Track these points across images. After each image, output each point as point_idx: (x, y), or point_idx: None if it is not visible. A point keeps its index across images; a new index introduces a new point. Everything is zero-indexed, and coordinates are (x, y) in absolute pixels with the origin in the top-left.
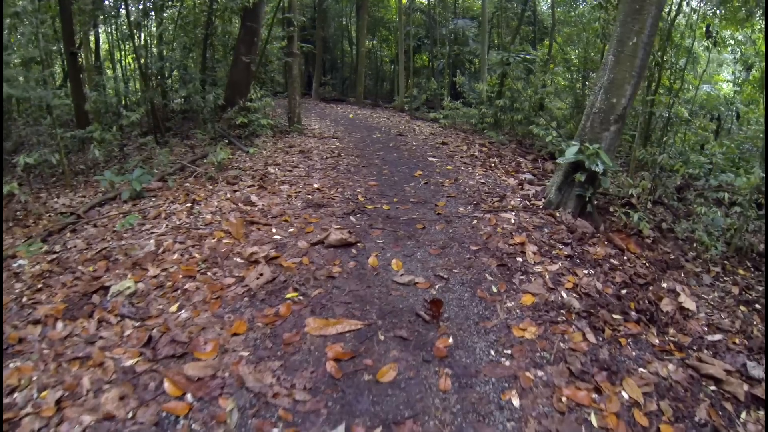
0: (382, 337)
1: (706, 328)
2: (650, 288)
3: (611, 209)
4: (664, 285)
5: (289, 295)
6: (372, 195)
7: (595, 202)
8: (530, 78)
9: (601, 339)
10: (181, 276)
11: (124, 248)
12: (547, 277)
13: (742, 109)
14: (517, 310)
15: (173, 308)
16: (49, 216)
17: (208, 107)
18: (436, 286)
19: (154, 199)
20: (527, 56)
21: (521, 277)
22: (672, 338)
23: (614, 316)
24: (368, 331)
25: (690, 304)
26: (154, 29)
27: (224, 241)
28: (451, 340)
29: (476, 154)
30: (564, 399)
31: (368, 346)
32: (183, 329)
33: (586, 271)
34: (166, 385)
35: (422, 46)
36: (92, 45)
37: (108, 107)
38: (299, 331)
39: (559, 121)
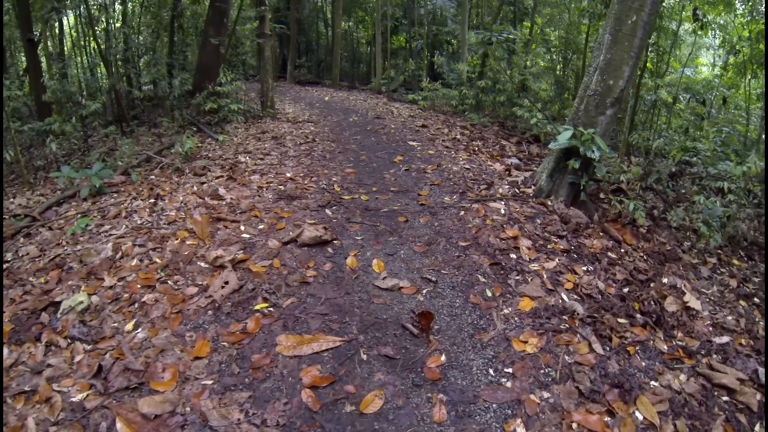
0: (364, 356)
1: (712, 329)
2: (652, 285)
3: (601, 195)
4: (665, 280)
5: (258, 307)
6: (349, 184)
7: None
8: (513, 58)
9: (608, 349)
10: (139, 286)
11: (80, 254)
12: (545, 276)
13: (723, 93)
14: (516, 318)
15: (129, 326)
16: (3, 219)
17: (174, 93)
18: (424, 291)
19: (116, 195)
20: (510, 35)
21: (517, 278)
22: (680, 342)
23: (620, 320)
24: (348, 348)
25: (695, 303)
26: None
27: (188, 242)
28: (443, 357)
29: (458, 137)
30: (575, 426)
31: (349, 368)
32: (139, 353)
33: (585, 268)
34: (119, 426)
35: (399, 27)
36: (56, 31)
37: (69, 97)
38: (270, 351)
39: (543, 102)
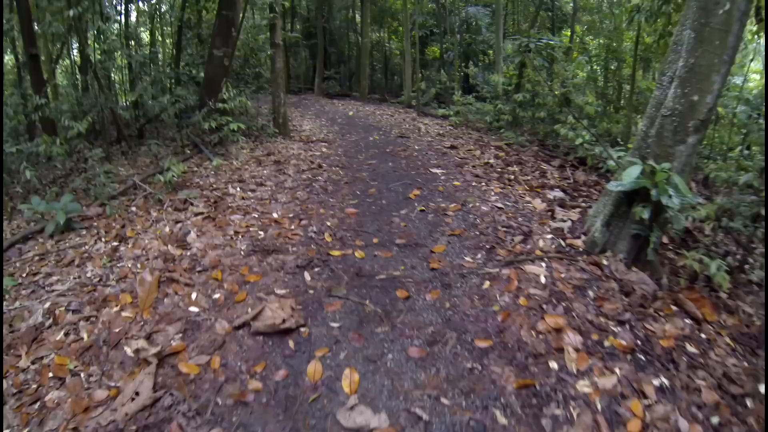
0: None
1: None
2: (749, 403)
3: (664, 239)
4: (762, 388)
5: None
6: (345, 231)
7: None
8: (553, 68)
9: None
10: (50, 375)
11: (13, 315)
12: (599, 405)
13: None
14: None
15: None
16: None
17: (168, 112)
18: None
19: (84, 232)
20: (550, 41)
21: (556, 412)
22: None
23: None
24: None
25: None
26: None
27: (125, 312)
28: None
29: (491, 161)
30: None
31: None
32: None
33: (658, 383)
34: None
35: (431, 37)
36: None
37: (60, 117)
38: None
39: (590, 119)
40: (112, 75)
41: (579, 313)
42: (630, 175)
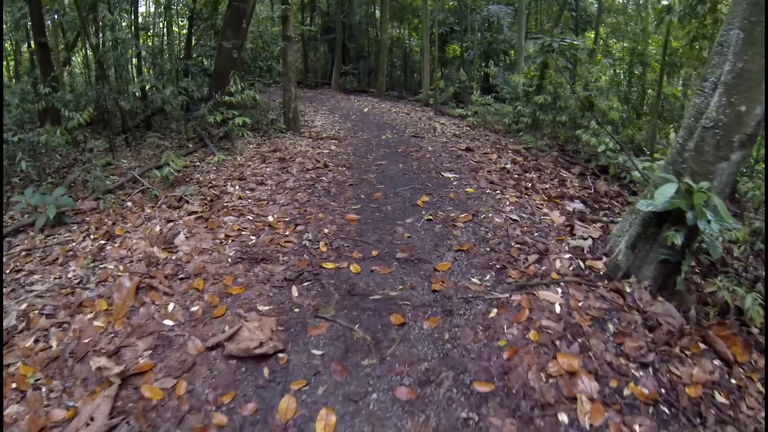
0: None
1: None
2: None
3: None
4: None
5: None
6: (343, 241)
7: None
8: (577, 70)
9: None
10: (14, 386)
11: None
12: None
13: None
14: None
15: None
16: None
17: (171, 104)
18: None
19: (75, 227)
20: (574, 41)
21: None
22: None
23: None
24: None
25: None
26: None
27: (97, 321)
28: None
29: (508, 166)
30: None
31: None
32: None
33: None
34: None
35: (452, 35)
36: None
37: (68, 105)
38: None
39: (615, 124)
40: (128, 65)
41: (596, 353)
42: (663, 195)
